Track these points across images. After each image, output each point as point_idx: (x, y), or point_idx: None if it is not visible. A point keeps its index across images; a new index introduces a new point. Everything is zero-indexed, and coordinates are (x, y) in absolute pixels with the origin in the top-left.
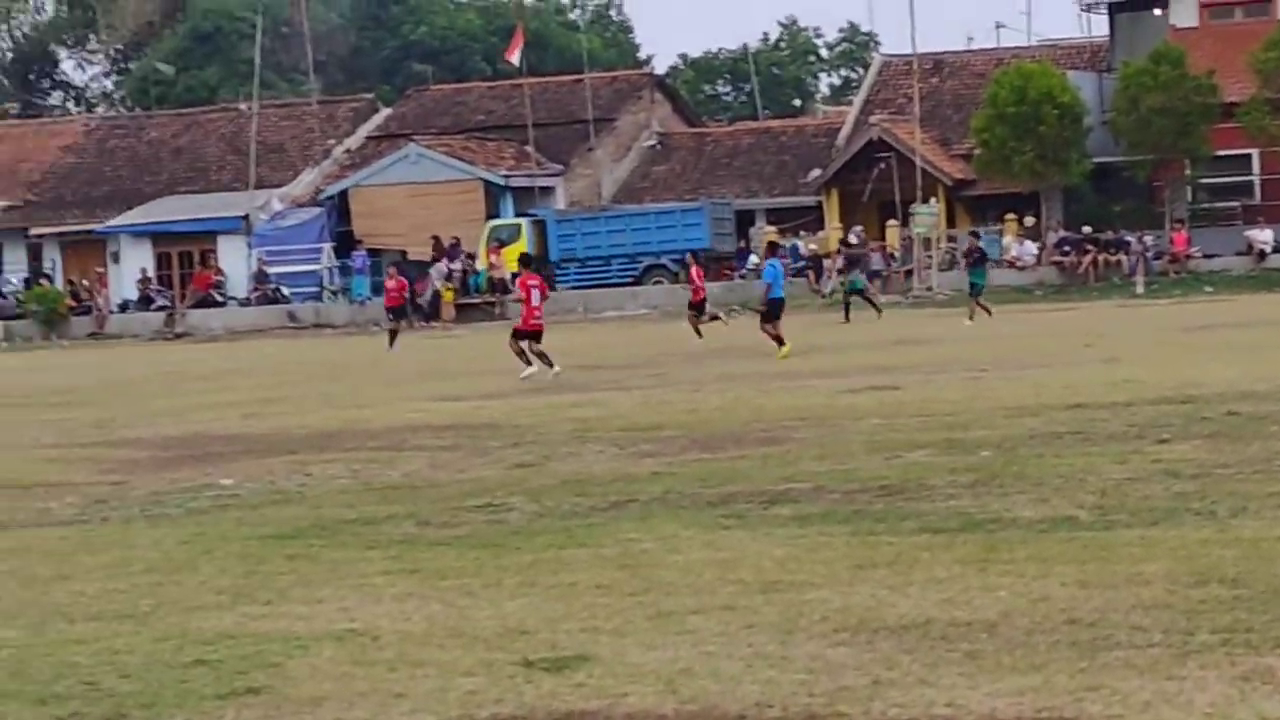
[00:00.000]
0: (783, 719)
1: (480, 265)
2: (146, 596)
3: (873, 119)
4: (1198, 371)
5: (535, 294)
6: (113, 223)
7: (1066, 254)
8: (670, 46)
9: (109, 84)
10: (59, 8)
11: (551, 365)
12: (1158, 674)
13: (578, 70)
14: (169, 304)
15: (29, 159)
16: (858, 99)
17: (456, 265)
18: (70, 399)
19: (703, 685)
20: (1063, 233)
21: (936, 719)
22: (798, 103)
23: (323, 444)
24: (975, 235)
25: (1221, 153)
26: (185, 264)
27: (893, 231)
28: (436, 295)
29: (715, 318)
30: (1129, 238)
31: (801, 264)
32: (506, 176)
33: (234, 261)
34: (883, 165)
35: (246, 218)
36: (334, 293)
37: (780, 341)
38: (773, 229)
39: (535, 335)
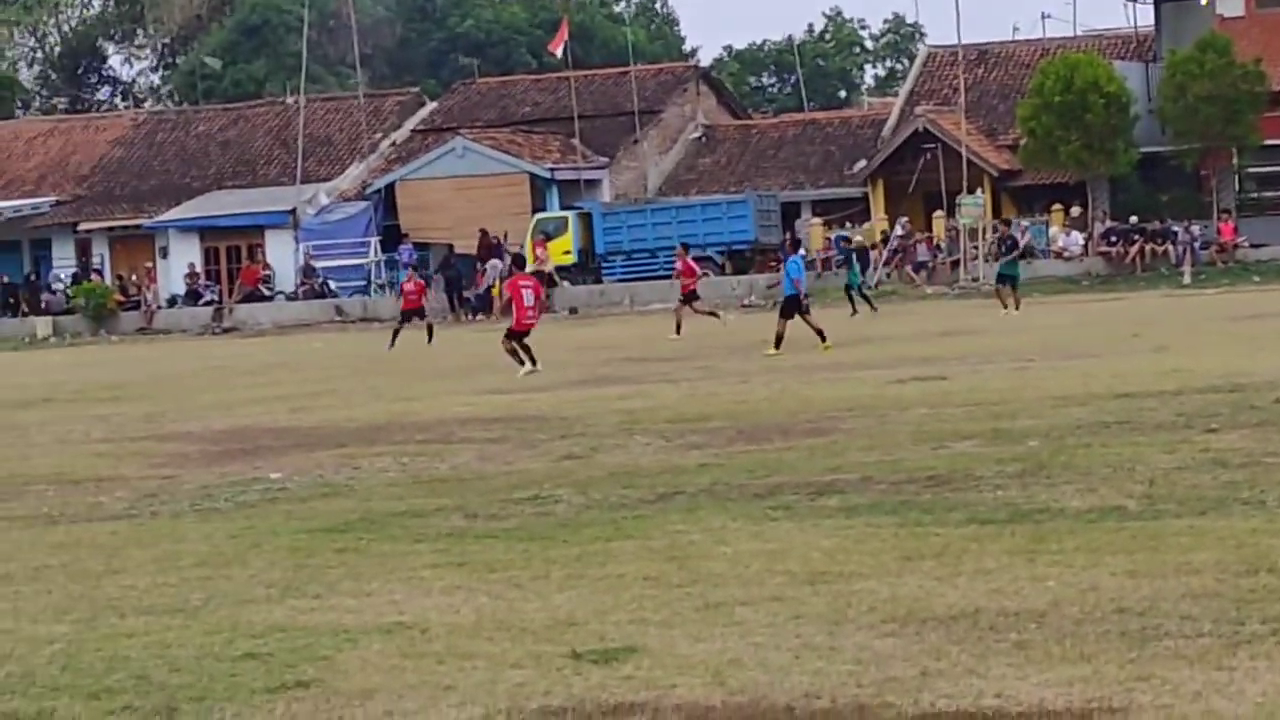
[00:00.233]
0: (831, 710)
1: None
2: (197, 590)
3: (918, 110)
4: (1246, 360)
5: (528, 294)
6: (161, 218)
7: (1113, 244)
8: (715, 39)
9: (156, 78)
10: (106, 3)
11: (533, 363)
12: (1208, 664)
13: (623, 63)
14: (217, 299)
15: (77, 154)
16: (903, 90)
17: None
18: (120, 394)
19: (751, 676)
20: (1109, 223)
21: (985, 709)
22: (843, 94)
23: (371, 437)
24: (1005, 223)
25: (1269, 142)
26: (233, 258)
27: (939, 222)
28: (488, 289)
29: (713, 314)
30: (1176, 227)
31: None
32: (552, 169)
33: (281, 256)
34: (928, 156)
35: (294, 212)
36: (381, 286)
37: (778, 341)
38: (818, 221)
39: (524, 334)
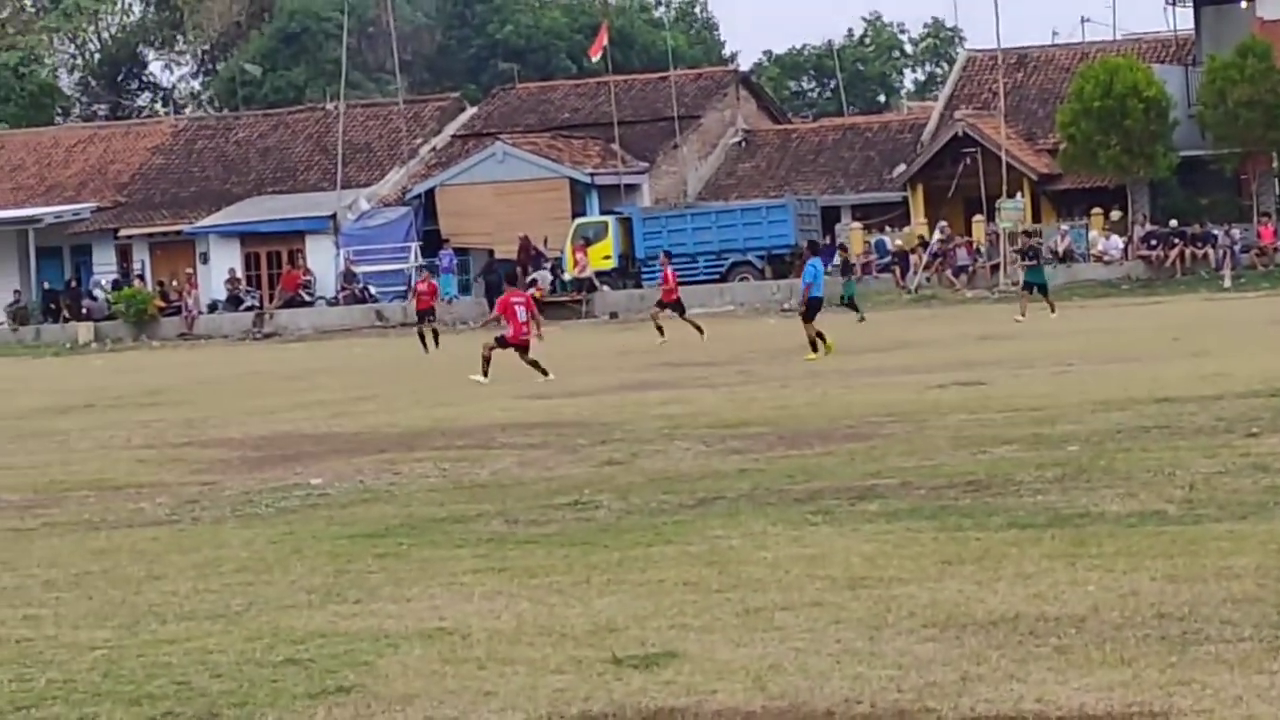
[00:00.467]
0: (871, 715)
1: (567, 265)
2: (238, 596)
3: (958, 114)
4: None
5: (521, 311)
6: (201, 223)
7: (1153, 248)
8: (755, 43)
9: (196, 85)
10: (146, 9)
11: (545, 373)
12: (1249, 668)
13: (663, 68)
14: (257, 304)
15: (118, 160)
16: (943, 94)
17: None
18: (161, 399)
19: (791, 681)
20: (1149, 226)
21: (1025, 714)
22: (882, 99)
23: (411, 443)
24: (1027, 235)
25: None
26: (273, 264)
27: (978, 226)
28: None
29: (698, 328)
30: (1216, 231)
31: (887, 259)
32: (592, 174)
33: (322, 261)
34: (968, 160)
35: (334, 217)
36: None
37: (814, 345)
38: (858, 225)
39: (523, 348)
